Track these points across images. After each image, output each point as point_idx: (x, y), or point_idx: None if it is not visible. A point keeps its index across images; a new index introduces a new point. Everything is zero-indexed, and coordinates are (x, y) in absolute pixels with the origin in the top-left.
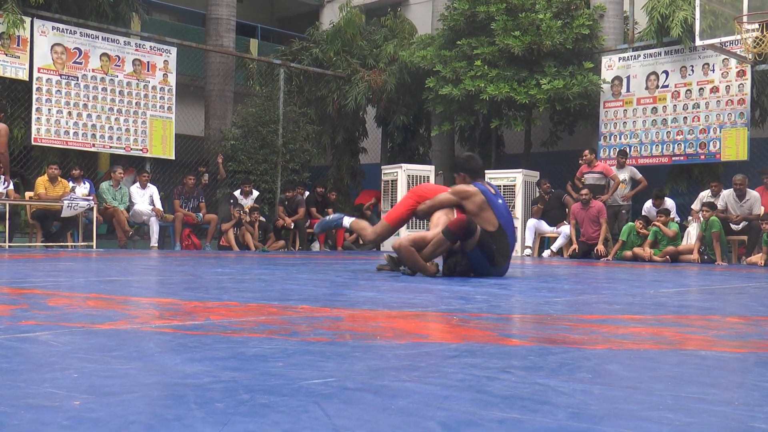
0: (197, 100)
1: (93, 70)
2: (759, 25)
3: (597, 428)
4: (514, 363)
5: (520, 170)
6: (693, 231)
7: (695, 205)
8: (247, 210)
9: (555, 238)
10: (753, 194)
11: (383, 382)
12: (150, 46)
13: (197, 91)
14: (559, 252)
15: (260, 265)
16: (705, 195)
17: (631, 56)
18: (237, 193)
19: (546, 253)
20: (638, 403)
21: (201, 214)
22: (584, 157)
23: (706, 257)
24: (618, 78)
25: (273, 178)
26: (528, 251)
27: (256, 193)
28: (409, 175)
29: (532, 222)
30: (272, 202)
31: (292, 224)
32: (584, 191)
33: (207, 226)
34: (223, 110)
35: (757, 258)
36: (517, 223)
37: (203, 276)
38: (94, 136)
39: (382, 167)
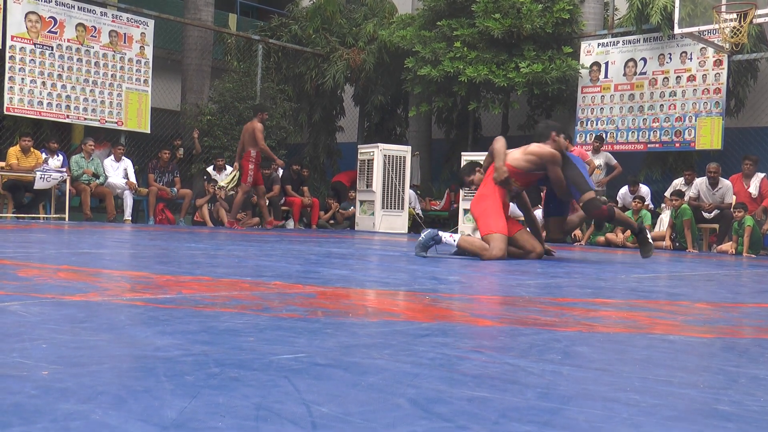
0: (174, 73)
1: (68, 40)
2: (737, 14)
3: (565, 408)
4: (484, 343)
5: None
6: (665, 218)
7: (668, 193)
8: (222, 185)
9: None
10: (725, 183)
11: (354, 358)
12: (127, 18)
13: (174, 64)
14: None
15: (234, 241)
16: (678, 183)
17: (610, 42)
18: (210, 169)
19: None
20: (606, 385)
21: (175, 189)
22: None
23: (677, 244)
24: (596, 64)
25: None
26: None
27: (229, 168)
28: (385, 155)
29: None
30: None
31: (267, 201)
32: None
33: (181, 201)
34: (200, 85)
35: (727, 246)
36: None
37: (176, 250)
38: (68, 107)
39: (359, 146)
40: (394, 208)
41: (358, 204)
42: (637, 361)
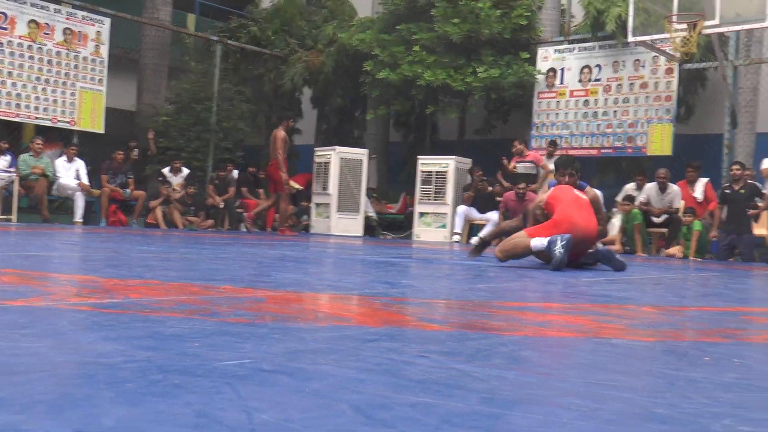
0: (130, 73)
1: (20, 37)
2: (687, 25)
3: (507, 414)
4: (431, 348)
5: (453, 157)
6: (617, 222)
7: (620, 197)
8: (176, 188)
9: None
10: (674, 188)
11: (300, 364)
12: (82, 16)
13: (130, 63)
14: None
15: (187, 244)
16: (630, 188)
17: (567, 49)
18: (166, 170)
19: (474, 239)
20: (550, 389)
21: (129, 191)
22: (514, 148)
23: (627, 248)
24: (553, 69)
25: (205, 156)
26: (457, 237)
27: (186, 170)
28: (342, 158)
29: (462, 209)
30: (203, 181)
31: (222, 203)
32: (521, 185)
33: (134, 203)
34: (157, 85)
35: (675, 250)
36: (447, 210)
37: (127, 253)
38: (18, 105)
39: (315, 149)
40: (350, 211)
41: (313, 206)
42: (581, 366)
